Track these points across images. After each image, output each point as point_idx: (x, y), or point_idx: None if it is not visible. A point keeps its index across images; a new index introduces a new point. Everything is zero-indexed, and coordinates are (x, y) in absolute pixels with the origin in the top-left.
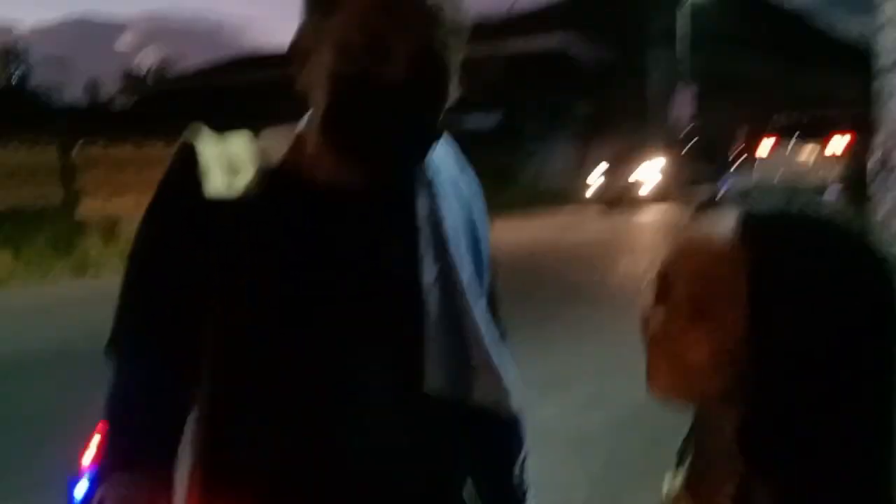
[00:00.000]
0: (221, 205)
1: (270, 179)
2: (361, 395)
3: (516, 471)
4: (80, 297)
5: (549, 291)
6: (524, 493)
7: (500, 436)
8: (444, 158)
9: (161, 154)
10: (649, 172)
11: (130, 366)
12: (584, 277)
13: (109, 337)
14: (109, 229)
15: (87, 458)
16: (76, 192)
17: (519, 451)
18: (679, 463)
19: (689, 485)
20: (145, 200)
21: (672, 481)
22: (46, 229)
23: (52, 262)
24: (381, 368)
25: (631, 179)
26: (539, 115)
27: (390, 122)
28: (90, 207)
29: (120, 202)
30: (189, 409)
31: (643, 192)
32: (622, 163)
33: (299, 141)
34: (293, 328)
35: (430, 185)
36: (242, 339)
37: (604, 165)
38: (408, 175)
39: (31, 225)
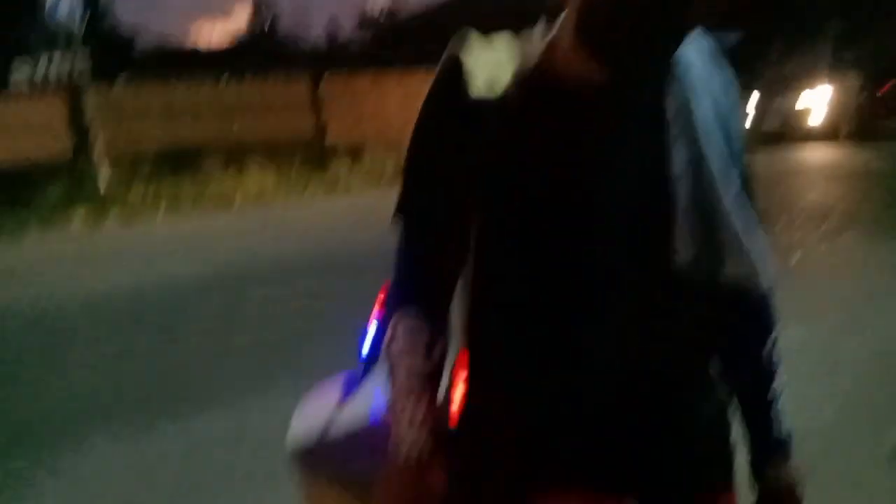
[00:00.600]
0: (484, 104)
1: (528, 79)
2: (614, 280)
3: (765, 351)
4: (333, 211)
5: (793, 219)
6: (773, 375)
7: (750, 314)
8: (695, 56)
9: (395, 85)
10: (818, 102)
11: (408, 232)
12: (827, 204)
13: (394, 208)
14: (355, 153)
15: (375, 310)
16: (324, 121)
17: (768, 332)
18: None
19: None
20: (385, 127)
21: None
22: (301, 153)
23: (308, 181)
24: (633, 251)
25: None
26: (786, 34)
27: (637, 22)
28: (337, 134)
29: (362, 128)
30: (459, 270)
31: (812, 125)
32: (784, 92)
33: (554, 41)
34: (548, 214)
35: (679, 81)
36: (499, 225)
37: (756, 95)
38: (657, 71)
39: (287, 150)
